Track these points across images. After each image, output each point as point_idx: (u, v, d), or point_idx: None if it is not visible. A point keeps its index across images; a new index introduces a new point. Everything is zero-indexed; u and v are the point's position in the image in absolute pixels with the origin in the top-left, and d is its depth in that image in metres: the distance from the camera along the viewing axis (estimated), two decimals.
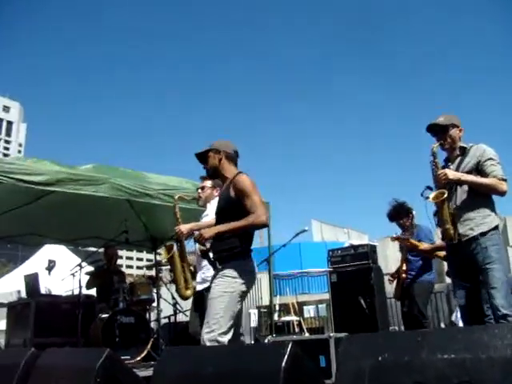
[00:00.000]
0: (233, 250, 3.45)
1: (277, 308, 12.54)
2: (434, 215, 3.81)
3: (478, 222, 3.51)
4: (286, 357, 2.13)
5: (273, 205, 7.72)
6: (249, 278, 3.46)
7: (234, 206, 3.44)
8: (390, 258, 12.98)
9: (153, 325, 7.44)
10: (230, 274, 3.39)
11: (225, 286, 3.37)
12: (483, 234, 3.48)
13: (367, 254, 6.99)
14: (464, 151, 3.74)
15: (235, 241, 3.44)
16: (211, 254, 3.57)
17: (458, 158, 3.76)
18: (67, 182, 5.53)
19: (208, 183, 4.68)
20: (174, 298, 7.84)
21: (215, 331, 3.23)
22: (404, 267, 5.75)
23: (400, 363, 1.89)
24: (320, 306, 13.44)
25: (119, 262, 8.09)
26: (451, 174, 3.58)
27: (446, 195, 3.54)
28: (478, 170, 3.60)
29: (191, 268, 4.51)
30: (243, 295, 3.43)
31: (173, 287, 9.14)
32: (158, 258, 8.03)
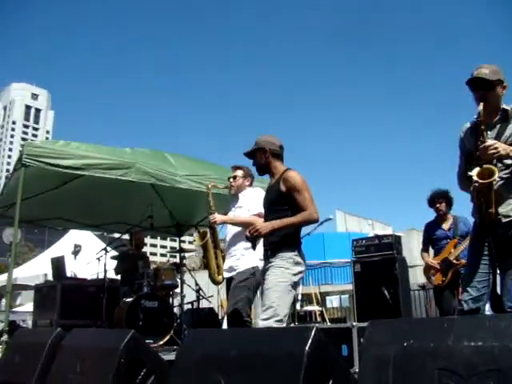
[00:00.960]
0: (284, 241, 3.54)
1: (299, 298, 12.54)
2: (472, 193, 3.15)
3: None
4: (310, 341, 2.13)
5: None
6: (299, 270, 3.54)
7: (284, 200, 3.56)
8: (414, 250, 12.85)
9: (176, 310, 7.51)
10: (283, 264, 3.49)
11: (279, 276, 3.47)
12: None
13: (392, 244, 6.93)
14: (507, 115, 3.10)
15: (286, 233, 3.54)
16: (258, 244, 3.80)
17: (499, 124, 3.08)
18: (94, 167, 5.59)
19: (239, 173, 4.72)
20: (197, 284, 7.90)
21: (272, 318, 3.32)
22: (453, 250, 5.59)
23: (426, 350, 1.87)
24: (343, 296, 13.42)
25: (143, 249, 8.15)
26: (503, 148, 2.91)
27: (496, 175, 2.87)
28: None
29: (223, 255, 4.61)
30: (295, 286, 3.54)
31: (197, 273, 9.25)
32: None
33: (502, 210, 3.02)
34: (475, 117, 3.10)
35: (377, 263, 6.90)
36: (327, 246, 19.10)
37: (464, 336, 1.81)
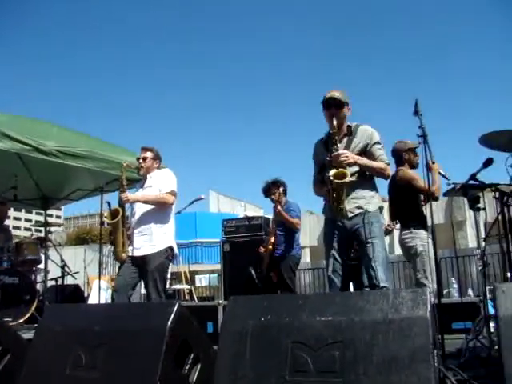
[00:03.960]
0: None
1: (168, 276, 12.51)
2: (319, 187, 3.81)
3: (365, 201, 3.63)
4: (172, 316, 2.18)
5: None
6: None
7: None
8: None
9: (39, 286, 7.21)
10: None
11: None
12: (368, 212, 3.60)
13: (261, 225, 7.17)
14: (350, 131, 3.73)
15: None
16: None
17: (346, 138, 3.72)
18: None
19: (149, 154, 4.80)
20: (62, 260, 7.64)
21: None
22: (272, 239, 5.96)
23: (281, 324, 2.00)
24: (212, 275, 13.64)
25: (6, 222, 7.68)
26: (351, 156, 3.54)
27: (348, 177, 3.47)
28: (366, 152, 3.66)
29: (128, 233, 4.68)
30: None
31: (62, 249, 8.93)
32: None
33: (348, 207, 3.58)
34: (327, 132, 3.75)
35: (245, 244, 7.10)
36: (199, 226, 19.20)
37: (316, 311, 1.97)
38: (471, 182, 3.80)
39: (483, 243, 4.10)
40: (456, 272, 10.30)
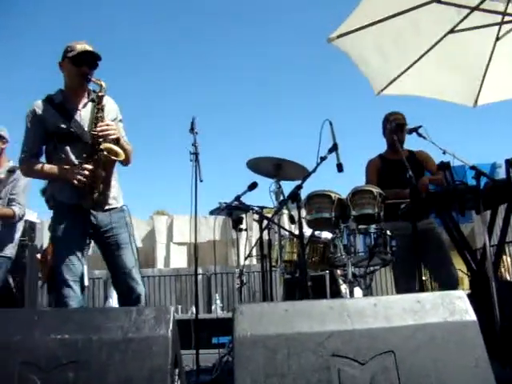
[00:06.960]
0: None
1: None
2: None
3: (118, 192, 3.12)
4: None
5: None
6: None
7: None
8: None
9: None
10: None
11: None
12: (126, 209, 3.11)
13: (25, 230, 6.65)
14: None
15: None
16: None
17: (90, 104, 3.02)
18: None
19: None
20: None
21: None
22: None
23: (10, 343, 1.81)
24: None
25: None
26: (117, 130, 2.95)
27: (122, 157, 2.91)
28: None
29: None
30: None
31: None
32: None
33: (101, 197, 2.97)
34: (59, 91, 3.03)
35: None
36: None
37: (52, 328, 1.82)
38: (235, 203, 3.94)
39: (242, 262, 4.31)
40: (221, 288, 10.74)
